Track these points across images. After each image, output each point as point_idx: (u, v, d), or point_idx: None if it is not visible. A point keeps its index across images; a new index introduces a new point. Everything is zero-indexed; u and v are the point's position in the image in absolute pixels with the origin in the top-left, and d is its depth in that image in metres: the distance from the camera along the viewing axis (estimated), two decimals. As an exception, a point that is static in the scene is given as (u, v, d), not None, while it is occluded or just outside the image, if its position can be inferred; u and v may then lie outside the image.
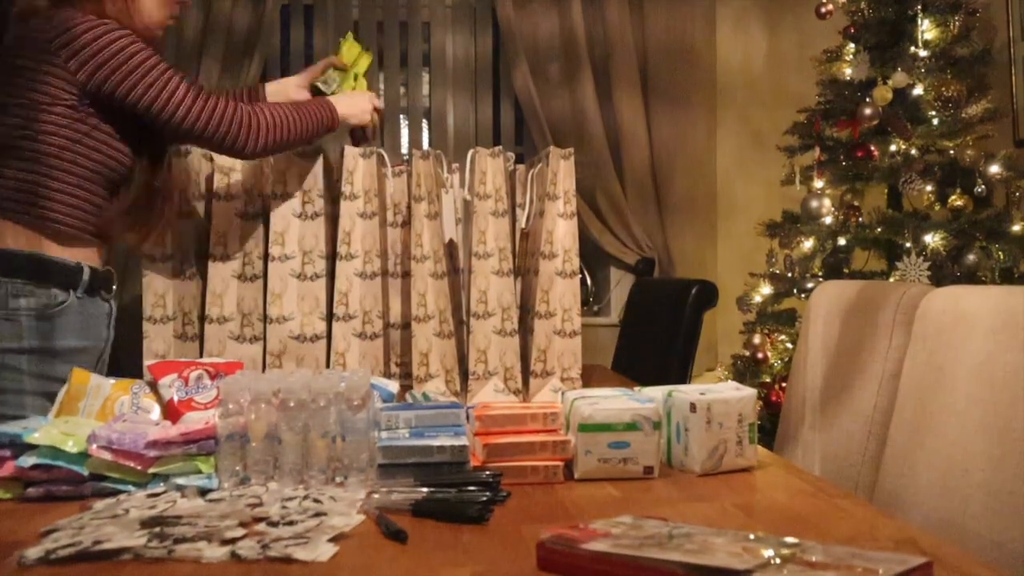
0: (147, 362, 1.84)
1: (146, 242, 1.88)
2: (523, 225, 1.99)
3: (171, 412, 1.26)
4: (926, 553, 0.83)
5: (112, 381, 1.31)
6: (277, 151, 1.81)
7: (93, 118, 1.64)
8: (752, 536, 0.83)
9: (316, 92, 2.08)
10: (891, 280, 2.85)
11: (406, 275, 1.96)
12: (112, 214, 1.74)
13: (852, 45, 3.16)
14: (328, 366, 1.86)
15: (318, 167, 1.91)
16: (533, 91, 3.62)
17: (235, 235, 1.88)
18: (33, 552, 0.87)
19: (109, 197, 1.72)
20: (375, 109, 1.98)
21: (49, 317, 1.65)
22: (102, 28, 1.61)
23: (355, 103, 1.94)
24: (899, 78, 2.99)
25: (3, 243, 1.63)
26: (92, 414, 1.24)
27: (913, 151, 2.97)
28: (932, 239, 2.86)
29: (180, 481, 1.12)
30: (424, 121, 3.86)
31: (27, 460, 1.10)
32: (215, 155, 1.88)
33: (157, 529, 0.93)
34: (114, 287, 1.81)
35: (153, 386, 1.30)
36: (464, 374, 1.88)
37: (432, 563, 0.87)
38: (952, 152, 2.95)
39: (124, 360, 2.00)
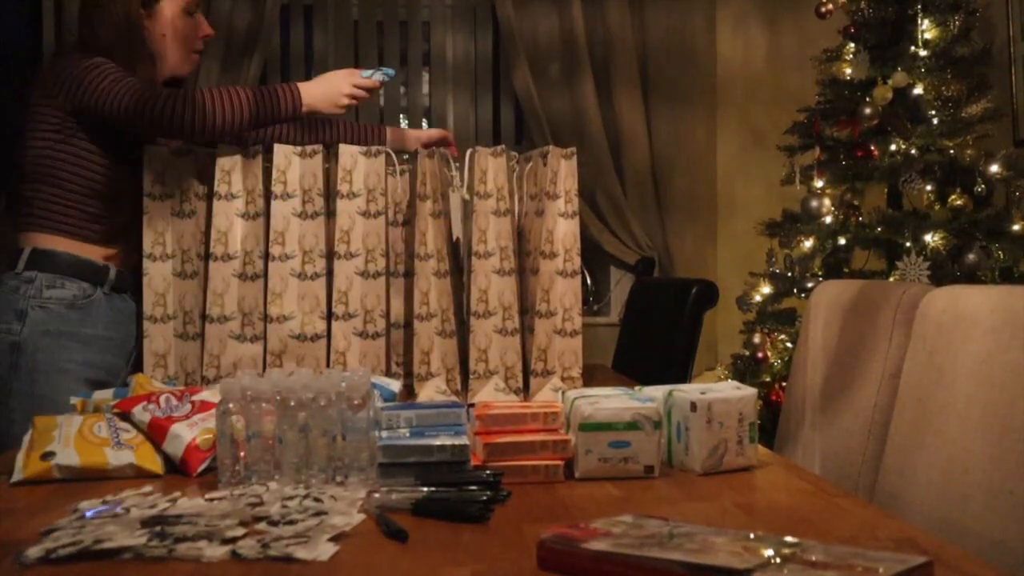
0: (147, 362, 1.86)
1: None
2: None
3: (155, 429, 1.26)
4: (926, 552, 0.83)
5: (80, 418, 1.30)
6: (229, 132, 1.83)
7: (78, 139, 1.85)
8: (752, 535, 0.83)
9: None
10: (891, 280, 2.85)
11: (408, 274, 1.96)
12: (121, 223, 1.91)
13: (852, 45, 3.16)
14: (328, 365, 1.86)
15: (318, 166, 1.90)
16: (533, 91, 3.62)
17: (235, 234, 1.88)
18: (33, 551, 0.87)
19: (108, 209, 1.90)
20: (352, 96, 1.91)
21: (79, 307, 1.86)
22: (84, 61, 1.83)
23: (327, 91, 1.90)
24: (899, 78, 2.99)
25: (42, 244, 1.86)
26: (69, 439, 1.24)
27: (913, 151, 2.97)
28: (932, 239, 2.86)
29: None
30: (424, 121, 3.86)
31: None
32: (217, 155, 1.88)
33: (157, 528, 0.93)
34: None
35: (126, 417, 1.29)
36: (465, 373, 1.88)
37: (432, 562, 0.87)
38: (952, 152, 2.95)
39: (126, 367, 2.01)
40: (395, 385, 1.56)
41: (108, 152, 1.88)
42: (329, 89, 1.90)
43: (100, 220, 1.89)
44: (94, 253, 1.89)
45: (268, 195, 1.90)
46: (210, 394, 1.46)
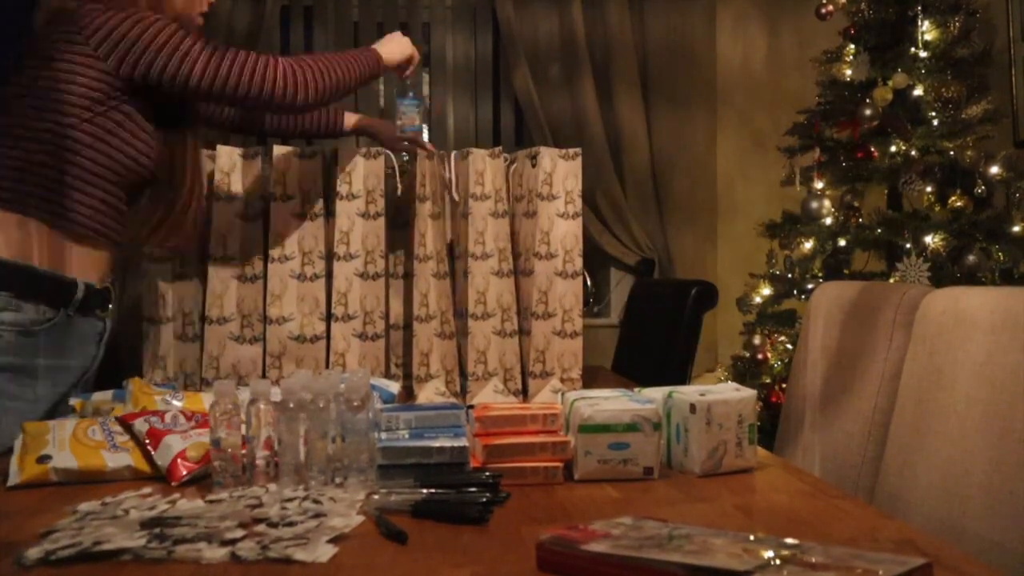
0: (146, 363, 1.86)
1: (168, 245, 1.85)
2: None
3: (151, 436, 1.25)
4: (926, 554, 0.83)
5: (71, 422, 1.30)
6: (329, 100, 1.75)
7: (121, 111, 1.60)
8: (752, 537, 0.83)
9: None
10: (891, 281, 2.85)
11: (407, 275, 1.96)
12: (137, 220, 1.74)
13: (852, 46, 3.16)
14: (328, 367, 1.86)
15: (318, 168, 1.90)
16: (533, 92, 3.62)
17: (235, 236, 1.88)
18: (33, 552, 0.87)
19: (127, 202, 1.69)
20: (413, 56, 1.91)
21: (34, 334, 1.57)
22: (128, 14, 1.59)
23: (393, 44, 1.88)
24: (899, 79, 2.99)
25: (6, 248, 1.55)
26: (64, 442, 1.24)
27: (913, 152, 2.97)
28: (932, 240, 2.86)
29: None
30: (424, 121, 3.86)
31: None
32: (217, 155, 1.88)
33: (157, 530, 0.93)
34: (110, 305, 1.73)
35: (127, 427, 1.29)
36: (464, 375, 1.88)
37: (432, 564, 0.87)
38: (952, 153, 2.95)
39: (124, 360, 2.00)
40: (394, 387, 1.56)
41: (152, 134, 1.67)
42: (393, 42, 1.88)
43: (118, 215, 1.66)
44: (64, 263, 1.60)
45: (268, 196, 1.90)
46: (211, 396, 1.46)
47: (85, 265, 1.63)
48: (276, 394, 1.55)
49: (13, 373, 1.55)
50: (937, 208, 3.00)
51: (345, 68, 1.74)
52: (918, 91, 3.00)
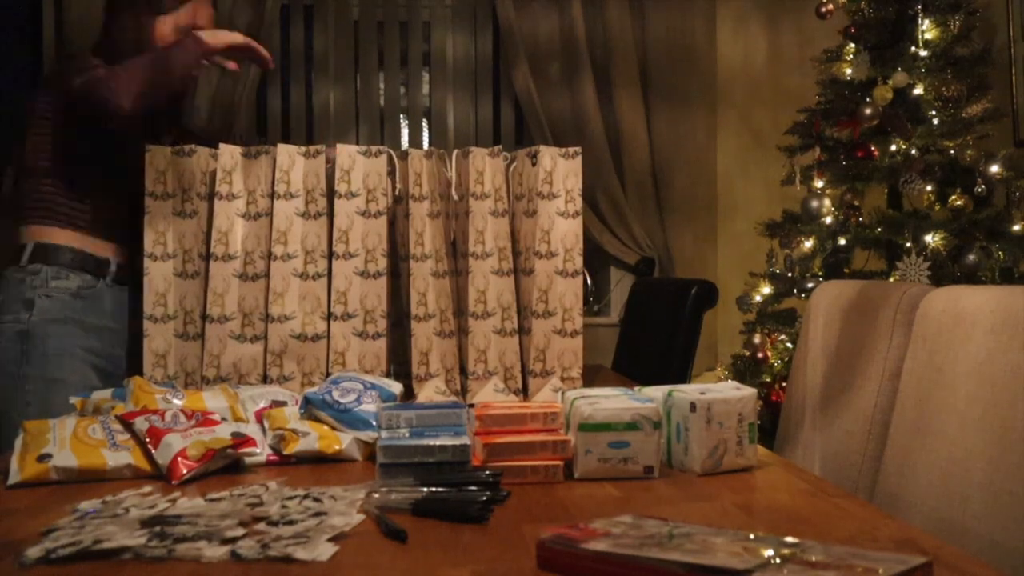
0: (147, 361, 1.86)
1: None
2: None
3: (151, 435, 1.25)
4: (926, 553, 0.83)
5: (72, 420, 1.30)
6: (149, 103, 1.83)
7: (72, 134, 1.94)
8: (752, 536, 0.83)
9: None
10: (891, 280, 2.85)
11: (407, 274, 1.95)
12: (120, 218, 2.00)
13: (852, 45, 3.16)
14: (328, 366, 1.85)
15: (320, 166, 1.90)
16: (533, 91, 3.62)
17: (237, 234, 1.88)
18: (33, 551, 0.87)
19: (105, 204, 1.99)
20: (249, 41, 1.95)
21: (83, 297, 1.95)
22: (78, 57, 1.95)
23: (219, 33, 1.94)
24: (899, 78, 2.99)
25: (45, 238, 1.94)
26: (64, 441, 1.24)
27: (913, 151, 2.97)
28: (932, 239, 2.86)
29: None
30: (424, 121, 3.86)
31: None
32: (218, 154, 1.88)
33: (157, 528, 0.93)
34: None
35: (127, 425, 1.29)
36: (464, 374, 1.88)
37: (432, 563, 0.87)
38: (952, 152, 2.95)
39: (124, 360, 2.01)
40: (396, 387, 1.56)
41: (99, 147, 1.95)
42: (228, 33, 1.95)
43: (99, 215, 1.98)
44: (95, 247, 1.98)
45: (271, 195, 1.90)
46: (211, 395, 1.47)
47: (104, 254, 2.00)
48: (276, 393, 1.56)
49: (70, 325, 1.92)
50: (937, 207, 3.00)
51: (158, 63, 1.83)
52: (918, 90, 3.00)
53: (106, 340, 1.97)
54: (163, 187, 1.89)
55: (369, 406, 1.37)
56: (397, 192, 1.95)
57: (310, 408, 1.38)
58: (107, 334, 1.98)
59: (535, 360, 1.86)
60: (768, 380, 3.10)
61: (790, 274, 3.19)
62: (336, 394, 1.38)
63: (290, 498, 1.05)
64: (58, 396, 1.76)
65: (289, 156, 1.89)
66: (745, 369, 3.20)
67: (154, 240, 1.88)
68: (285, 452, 1.30)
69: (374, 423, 1.33)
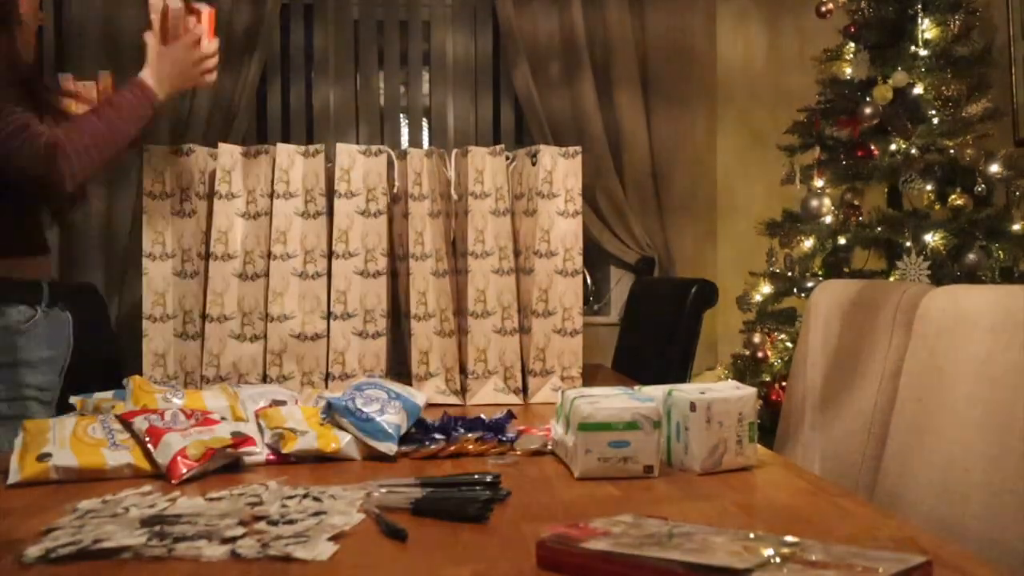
0: (146, 361, 1.86)
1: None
2: None
3: (151, 434, 1.25)
4: (926, 552, 0.83)
5: (72, 420, 1.30)
6: (97, 170, 1.65)
7: None
8: (752, 535, 0.83)
9: None
10: (891, 279, 2.85)
11: (407, 273, 1.96)
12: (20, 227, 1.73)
13: (852, 44, 3.16)
14: (328, 365, 1.85)
15: (320, 165, 1.90)
16: (533, 90, 3.62)
17: (236, 234, 1.88)
18: (33, 550, 0.87)
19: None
20: (203, 61, 1.72)
21: (23, 332, 1.69)
22: None
23: (176, 67, 1.69)
24: (899, 77, 2.99)
25: None
26: (64, 441, 1.24)
27: (913, 150, 2.97)
28: (932, 238, 2.86)
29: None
30: (424, 120, 3.86)
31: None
32: (219, 153, 1.88)
33: (157, 528, 0.93)
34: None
35: (126, 424, 1.29)
36: (464, 373, 1.88)
37: (432, 562, 0.87)
38: (952, 151, 2.95)
39: (125, 360, 2.00)
40: (420, 397, 1.49)
41: None
42: (175, 63, 1.69)
43: (16, 234, 1.72)
44: (25, 270, 1.73)
45: (270, 194, 1.90)
46: (211, 395, 1.47)
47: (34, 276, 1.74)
48: (276, 393, 1.56)
49: (17, 367, 1.67)
50: (937, 206, 2.99)
51: (114, 128, 1.63)
52: (918, 89, 3.00)
53: (46, 372, 1.74)
54: (161, 187, 1.88)
55: (392, 416, 1.34)
56: (396, 191, 1.95)
57: (332, 414, 1.37)
58: (45, 365, 1.74)
59: (535, 359, 1.86)
60: (768, 379, 3.10)
61: (790, 273, 3.19)
62: (359, 402, 1.36)
63: (290, 497, 1.05)
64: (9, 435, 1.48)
65: (288, 156, 1.89)
66: (745, 368, 3.20)
67: (152, 240, 1.87)
68: (284, 451, 1.30)
69: (394, 434, 1.32)
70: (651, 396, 1.26)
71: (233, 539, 0.90)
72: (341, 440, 1.31)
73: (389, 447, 1.30)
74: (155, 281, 1.87)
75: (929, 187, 2.96)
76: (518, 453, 1.33)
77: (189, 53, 1.72)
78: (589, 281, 3.90)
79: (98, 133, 1.61)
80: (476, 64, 3.84)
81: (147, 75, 1.70)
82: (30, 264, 1.74)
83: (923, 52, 3.01)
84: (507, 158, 1.94)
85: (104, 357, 2.67)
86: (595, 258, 3.82)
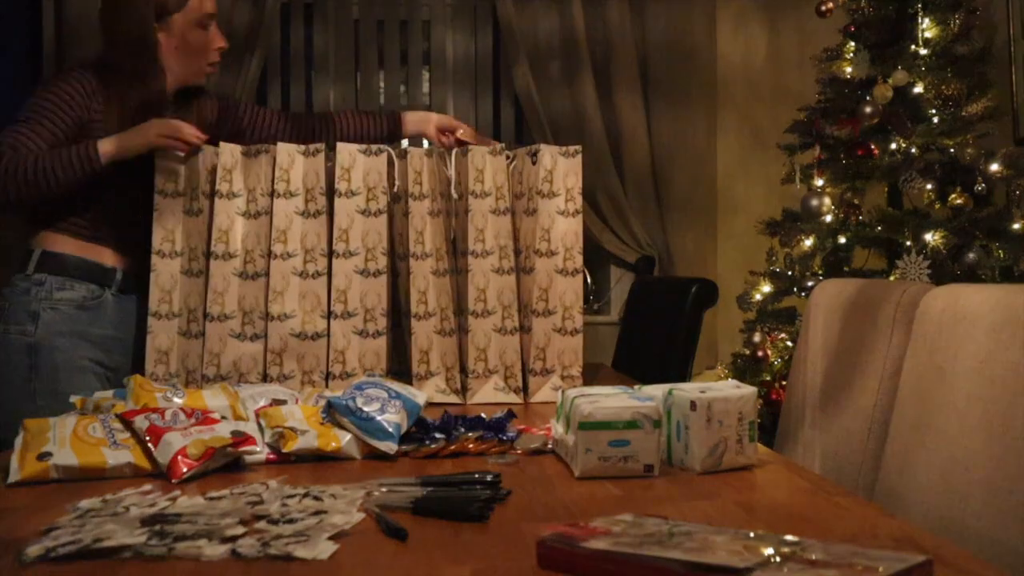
0: (149, 358, 1.86)
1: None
2: None
3: (151, 433, 1.25)
4: (926, 551, 0.83)
5: (72, 419, 1.30)
6: (26, 202, 1.83)
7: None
8: (752, 534, 0.83)
9: None
10: (891, 278, 2.85)
11: (407, 272, 1.95)
12: (125, 226, 1.96)
13: (852, 43, 3.16)
14: (328, 365, 1.85)
15: (321, 164, 1.90)
16: (533, 90, 3.62)
17: (237, 233, 1.88)
18: (33, 550, 0.87)
19: (108, 212, 1.96)
20: (167, 135, 1.82)
21: (88, 308, 1.93)
22: (51, 82, 1.92)
23: (139, 130, 1.83)
24: (899, 76, 2.99)
25: (51, 246, 1.93)
26: (65, 440, 1.24)
27: (913, 149, 2.96)
28: (932, 237, 2.86)
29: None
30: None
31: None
32: (219, 152, 1.89)
33: (157, 527, 0.93)
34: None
35: (126, 423, 1.29)
36: (465, 372, 1.87)
37: (432, 561, 0.87)
38: (952, 150, 2.95)
39: (130, 369, 2.00)
40: (420, 397, 1.49)
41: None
42: (141, 129, 1.84)
43: (103, 223, 1.95)
44: (101, 256, 1.96)
45: (271, 193, 1.90)
46: (211, 394, 1.46)
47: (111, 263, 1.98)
48: (276, 392, 1.55)
49: (76, 338, 1.91)
50: (937, 206, 2.99)
51: (50, 170, 1.79)
52: (918, 88, 3.00)
53: (111, 350, 1.97)
54: (173, 185, 1.89)
55: (392, 415, 1.34)
56: (396, 190, 1.95)
57: (332, 413, 1.37)
58: (112, 344, 1.97)
59: (535, 358, 1.86)
60: (768, 379, 3.10)
61: (790, 272, 3.19)
62: (360, 401, 1.35)
63: (290, 496, 1.05)
64: (68, 409, 1.72)
65: (289, 155, 1.89)
66: (745, 367, 3.20)
67: (163, 238, 1.87)
68: (284, 450, 1.30)
69: (394, 434, 1.32)
70: (651, 395, 1.26)
71: (233, 538, 0.90)
72: (341, 439, 1.31)
73: (389, 446, 1.30)
74: (162, 278, 1.87)
75: (929, 186, 2.95)
76: (518, 452, 1.33)
77: (165, 123, 1.85)
78: (589, 280, 3.91)
79: (36, 169, 1.79)
80: (476, 63, 3.84)
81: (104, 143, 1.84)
82: (111, 253, 1.97)
83: (923, 51, 3.00)
84: (507, 157, 1.94)
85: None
86: (595, 257, 3.82)
